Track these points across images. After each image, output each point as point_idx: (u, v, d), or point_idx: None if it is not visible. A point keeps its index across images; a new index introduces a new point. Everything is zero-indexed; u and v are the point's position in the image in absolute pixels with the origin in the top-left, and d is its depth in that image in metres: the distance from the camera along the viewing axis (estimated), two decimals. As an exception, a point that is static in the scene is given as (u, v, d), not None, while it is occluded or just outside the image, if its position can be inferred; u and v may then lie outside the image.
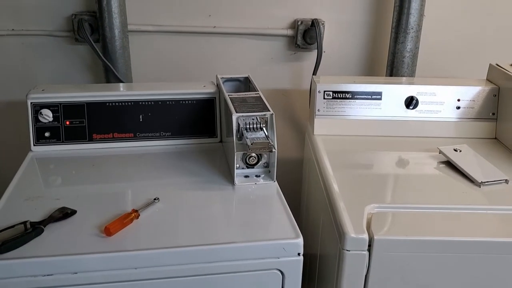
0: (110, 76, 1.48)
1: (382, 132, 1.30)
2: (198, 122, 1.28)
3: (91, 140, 1.25)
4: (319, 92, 1.29)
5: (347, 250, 0.91)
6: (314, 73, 1.50)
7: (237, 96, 1.17)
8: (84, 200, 1.03)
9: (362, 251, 0.91)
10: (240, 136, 1.08)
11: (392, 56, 1.48)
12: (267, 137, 1.05)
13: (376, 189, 1.08)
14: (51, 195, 1.05)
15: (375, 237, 0.90)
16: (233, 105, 1.11)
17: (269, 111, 1.08)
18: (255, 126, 1.07)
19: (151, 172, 1.16)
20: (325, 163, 1.16)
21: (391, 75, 1.50)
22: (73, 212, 0.98)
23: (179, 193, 1.06)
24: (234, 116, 1.07)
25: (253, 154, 1.09)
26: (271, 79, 1.59)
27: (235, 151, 1.07)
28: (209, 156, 1.23)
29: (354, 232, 0.91)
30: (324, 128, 1.30)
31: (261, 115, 1.08)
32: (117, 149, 1.25)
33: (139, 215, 0.96)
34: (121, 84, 1.42)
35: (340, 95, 1.29)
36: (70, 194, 1.05)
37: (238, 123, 1.07)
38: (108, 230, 0.90)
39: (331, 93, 1.29)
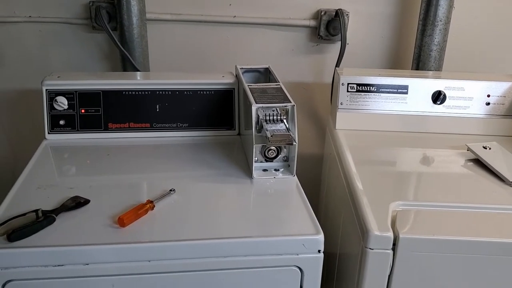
0: (127, 65, 1.45)
1: (407, 128, 1.25)
2: (216, 113, 1.24)
3: (106, 129, 1.22)
4: (342, 84, 1.24)
5: (370, 249, 0.87)
6: (337, 65, 1.45)
7: (257, 86, 1.13)
8: (98, 189, 1.00)
9: (386, 249, 0.87)
10: (260, 128, 1.04)
11: (418, 49, 1.43)
12: (287, 129, 1.01)
13: (401, 187, 1.03)
14: (64, 184, 1.02)
15: (401, 236, 0.86)
16: (252, 95, 1.07)
17: (290, 102, 1.04)
18: (275, 118, 1.03)
19: (167, 163, 1.12)
20: (347, 158, 1.12)
21: (417, 69, 1.45)
22: (86, 201, 0.95)
23: (195, 185, 1.03)
24: (254, 107, 1.03)
25: (273, 147, 1.04)
26: (291, 71, 1.55)
27: (254, 143, 1.02)
28: (226, 148, 1.19)
29: (379, 230, 0.86)
30: (347, 122, 1.25)
31: (282, 106, 1.03)
32: (133, 139, 1.22)
33: (154, 206, 0.93)
34: (138, 73, 1.38)
35: (364, 88, 1.24)
36: (83, 183, 1.02)
37: (258, 115, 1.03)
38: (121, 221, 0.87)
39: (355, 85, 1.24)
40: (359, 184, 1.01)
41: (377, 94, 1.24)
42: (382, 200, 0.95)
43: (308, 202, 0.97)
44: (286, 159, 1.08)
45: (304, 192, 1.02)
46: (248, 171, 1.08)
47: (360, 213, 0.92)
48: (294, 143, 1.00)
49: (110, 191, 0.99)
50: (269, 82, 1.25)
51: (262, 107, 1.03)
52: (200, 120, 1.24)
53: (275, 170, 1.07)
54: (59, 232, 0.86)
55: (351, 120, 1.25)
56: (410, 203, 0.95)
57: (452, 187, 1.03)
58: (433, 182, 1.05)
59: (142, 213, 0.90)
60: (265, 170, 1.07)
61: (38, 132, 1.23)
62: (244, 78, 1.21)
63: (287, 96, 1.07)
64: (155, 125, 1.23)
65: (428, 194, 1.00)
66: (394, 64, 1.54)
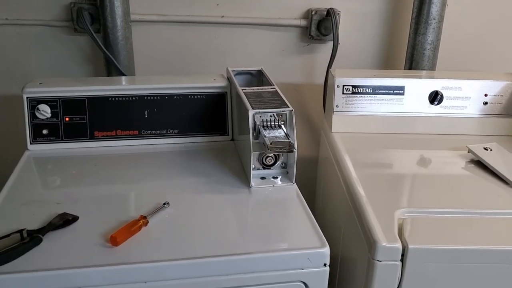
0: (111, 69, 1.39)
1: (405, 130, 1.22)
2: (207, 118, 1.19)
3: (92, 138, 1.16)
4: (337, 86, 1.20)
5: (378, 261, 0.83)
6: (329, 66, 1.41)
7: (251, 90, 1.08)
8: (86, 204, 0.94)
9: (394, 261, 0.83)
10: (257, 135, 0.99)
11: (412, 48, 1.39)
12: (287, 135, 0.96)
13: (404, 192, 0.99)
14: (50, 199, 0.96)
15: (410, 246, 0.82)
16: (248, 100, 1.02)
17: (288, 107, 1.00)
18: (273, 123, 0.99)
19: (158, 173, 1.07)
20: (346, 163, 1.08)
21: (410, 69, 1.41)
22: (75, 218, 0.89)
23: (190, 197, 0.98)
24: (251, 113, 0.98)
25: (271, 154, 1.00)
26: (282, 72, 1.50)
27: (252, 151, 0.98)
28: (220, 155, 1.14)
29: (387, 241, 0.82)
30: (343, 125, 1.21)
31: (280, 111, 0.99)
32: (121, 148, 1.16)
33: (147, 222, 0.87)
34: (124, 78, 1.32)
35: (360, 90, 1.20)
36: (71, 197, 0.96)
37: (255, 121, 0.99)
38: (114, 240, 0.81)
39: (350, 87, 1.20)
40: (361, 191, 0.97)
41: (373, 95, 1.21)
42: (386, 208, 0.92)
43: (310, 212, 0.92)
44: (285, 166, 1.03)
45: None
46: (245, 179, 1.03)
47: (365, 223, 0.88)
48: (294, 150, 0.96)
49: (100, 206, 0.94)
50: (262, 85, 1.21)
51: (259, 112, 0.98)
52: (191, 125, 1.19)
53: (274, 177, 1.03)
54: (47, 254, 0.80)
55: (348, 123, 1.21)
56: (415, 210, 0.91)
57: (456, 191, 0.99)
58: (436, 186, 1.01)
59: (135, 230, 0.85)
60: (263, 178, 1.02)
61: (19, 142, 1.16)
62: (236, 81, 1.16)
63: (284, 101, 1.03)
64: (143, 132, 1.18)
65: (432, 200, 0.96)
66: (386, 64, 1.50)
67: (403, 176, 1.06)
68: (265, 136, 0.95)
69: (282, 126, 0.98)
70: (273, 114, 0.99)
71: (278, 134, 0.96)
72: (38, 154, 1.13)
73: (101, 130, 1.16)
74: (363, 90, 1.20)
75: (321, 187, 1.33)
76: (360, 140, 1.19)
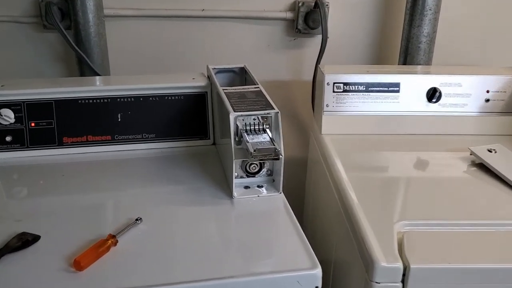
0: (84, 68, 1.28)
1: (401, 130, 1.13)
2: (187, 121, 1.10)
3: (61, 144, 1.06)
4: (327, 84, 1.11)
5: (376, 283, 0.74)
6: (318, 61, 1.32)
7: (233, 90, 0.98)
8: (50, 220, 0.84)
9: (395, 283, 0.74)
10: (239, 140, 0.90)
11: (406, 41, 1.30)
12: (272, 141, 0.87)
13: (403, 201, 0.90)
14: (10, 215, 0.86)
15: (412, 266, 0.73)
16: (229, 102, 0.93)
17: (274, 109, 0.90)
18: (256, 127, 0.89)
19: (132, 182, 0.97)
20: (338, 168, 0.99)
21: (404, 63, 1.32)
22: (36, 238, 0.79)
23: (166, 210, 0.88)
24: (232, 116, 0.88)
25: (255, 161, 0.90)
26: (267, 68, 1.41)
27: (234, 158, 0.88)
28: (200, 161, 1.05)
29: (386, 260, 0.73)
30: (334, 126, 1.12)
31: (264, 114, 0.89)
32: (92, 155, 1.06)
33: (117, 241, 0.78)
34: (94, 78, 1.22)
35: (352, 88, 1.11)
36: (33, 213, 0.86)
37: (237, 124, 0.89)
38: (78, 264, 0.72)
39: (341, 85, 1.11)
40: (355, 200, 0.88)
41: (366, 93, 1.11)
42: (384, 220, 0.83)
43: (299, 227, 0.83)
44: (271, 173, 0.94)
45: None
46: (227, 188, 0.94)
47: (361, 238, 0.79)
48: (280, 157, 0.86)
49: (65, 223, 0.84)
50: (245, 84, 1.11)
51: (242, 115, 0.89)
52: (169, 129, 1.09)
53: (258, 186, 0.93)
54: (3, 281, 0.70)
55: (339, 124, 1.12)
56: (416, 222, 0.82)
57: (460, 199, 0.91)
58: (438, 193, 0.93)
59: (103, 252, 0.75)
60: (247, 187, 0.93)
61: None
62: (217, 80, 1.06)
63: (269, 102, 0.93)
64: (117, 137, 1.08)
65: (434, 209, 0.87)
66: (379, 58, 1.41)
67: (401, 183, 0.97)
68: (248, 142, 0.86)
69: (267, 130, 0.89)
70: (257, 117, 0.89)
71: (263, 140, 0.87)
72: (1, 163, 1.03)
73: (71, 136, 1.06)
74: (355, 88, 1.11)
75: (310, 193, 1.24)
76: (353, 142, 1.10)
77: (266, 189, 0.93)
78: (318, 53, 1.31)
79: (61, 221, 0.84)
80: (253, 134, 0.88)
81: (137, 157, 1.07)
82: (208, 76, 1.13)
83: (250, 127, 0.89)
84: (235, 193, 0.90)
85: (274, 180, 0.94)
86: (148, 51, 1.36)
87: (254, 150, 0.83)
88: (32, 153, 1.05)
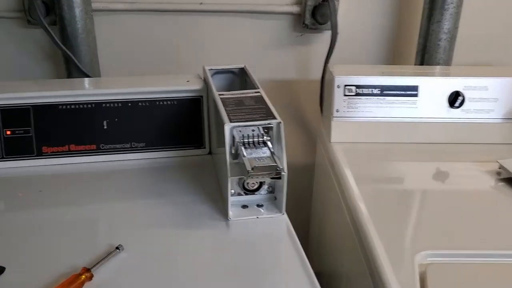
0: (71, 67, 1.17)
1: (420, 138, 1.01)
2: (180, 128, 0.98)
3: (40, 155, 0.95)
4: (338, 87, 0.99)
5: (395, 328, 0.63)
6: (327, 59, 1.20)
7: (230, 96, 0.87)
8: (18, 249, 0.73)
9: (417, 328, 0.63)
10: (236, 153, 0.78)
11: (424, 39, 1.18)
12: (272, 156, 0.75)
13: (424, 225, 0.79)
14: (-26, 241, 0.75)
15: (437, 310, 0.62)
16: (225, 109, 0.81)
17: (276, 118, 0.78)
18: (256, 139, 0.78)
19: (117, 199, 0.87)
20: (349, 183, 0.87)
21: (422, 63, 1.20)
22: (1, 270, 0.68)
23: (152, 235, 0.77)
24: (227, 127, 0.77)
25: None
26: (272, 67, 1.29)
27: (229, 175, 0.77)
28: (194, 173, 0.94)
29: (407, 303, 0.62)
30: (345, 133, 1.00)
31: (265, 124, 0.78)
32: (75, 166, 0.96)
33: (92, 275, 0.67)
34: (78, 80, 1.10)
35: (365, 91, 0.99)
36: (1, 238, 0.76)
37: (233, 136, 0.78)
38: (43, 305, 0.61)
39: (353, 88, 0.99)
40: (370, 225, 0.76)
41: (381, 97, 1.00)
42: (404, 249, 0.71)
43: (304, 256, 0.72)
44: (272, 190, 0.83)
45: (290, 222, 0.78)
46: (223, 206, 0.83)
47: (377, 273, 0.68)
48: (282, 174, 0.75)
49: (35, 252, 0.73)
50: (246, 88, 1.00)
51: (239, 126, 0.77)
52: (160, 137, 0.98)
53: (258, 205, 0.82)
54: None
55: (350, 131, 1.00)
56: (440, 252, 0.71)
57: (489, 222, 0.79)
58: (463, 214, 0.81)
59: (75, 289, 0.64)
60: (244, 206, 0.82)
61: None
62: (214, 83, 0.95)
63: (270, 110, 0.81)
64: (102, 146, 0.97)
65: (460, 235, 0.76)
66: (393, 57, 1.29)
67: (421, 202, 0.85)
68: (245, 157, 0.74)
69: (268, 143, 0.77)
70: (257, 128, 0.78)
71: (262, 155, 0.75)
72: (-28, 176, 0.93)
73: (51, 145, 0.95)
74: (369, 91, 0.99)
75: (317, 210, 1.12)
76: (366, 152, 0.98)
77: (267, 209, 0.81)
78: (327, 51, 1.19)
79: (30, 249, 0.74)
80: (252, 148, 0.77)
81: (125, 169, 0.96)
82: (204, 79, 1.02)
83: (248, 139, 0.78)
84: (231, 215, 0.79)
85: (276, 198, 0.83)
86: (140, 48, 1.24)
87: (252, 168, 0.72)
88: (6, 165, 0.94)
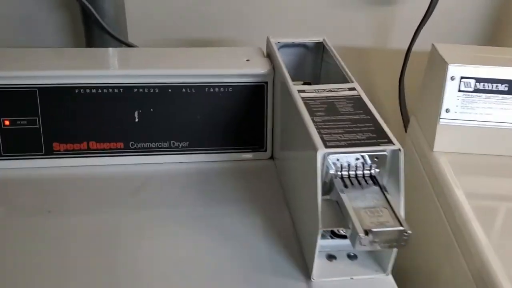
0: (90, 22, 0.92)
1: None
2: (235, 124, 0.74)
3: (49, 153, 0.72)
4: (452, 78, 0.72)
5: None
6: (420, 28, 0.93)
7: (316, 95, 0.61)
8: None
9: None
10: (328, 189, 0.54)
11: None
12: (389, 204, 0.51)
13: None
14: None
15: None
16: (313, 121, 0.56)
17: (391, 142, 0.53)
18: (359, 172, 0.53)
19: (148, 221, 0.64)
20: (463, 211, 0.64)
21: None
22: None
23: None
24: (320, 155, 0.52)
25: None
26: (339, 30, 1.03)
27: (320, 226, 0.52)
28: (253, 186, 0.70)
29: None
30: (453, 141, 0.75)
31: (376, 152, 0.53)
32: (95, 170, 0.72)
33: None
34: (101, 51, 0.84)
35: (488, 87, 0.73)
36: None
37: (326, 167, 0.53)
38: None
39: (472, 81, 0.73)
40: (493, 264, 0.54)
41: (509, 97, 0.73)
42: None
43: None
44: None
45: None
46: (298, 249, 0.60)
47: None
48: (406, 236, 0.50)
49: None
50: (320, 67, 0.74)
51: (336, 152, 0.52)
52: (208, 135, 0.74)
53: (349, 256, 0.59)
54: None
55: (463, 139, 0.75)
56: None
57: None
58: None
59: None
60: (331, 257, 0.58)
61: None
62: (282, 60, 0.70)
63: (379, 124, 0.56)
64: (132, 145, 0.73)
65: None
66: (494, 32, 1.01)
67: None
68: (348, 209, 0.49)
69: (378, 178, 0.53)
70: (361, 156, 0.53)
71: (372, 202, 0.50)
72: (-39, 179, 0.70)
73: (64, 141, 0.72)
74: (493, 87, 0.73)
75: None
76: (485, 168, 0.73)
77: (363, 265, 0.58)
78: (422, 15, 0.92)
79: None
80: (352, 187, 0.52)
81: (160, 175, 0.72)
82: (267, 54, 0.76)
83: (349, 171, 0.53)
84: (314, 275, 0.56)
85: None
86: (181, 5, 0.97)
87: (367, 233, 0.47)
88: (5, 165, 0.71)
